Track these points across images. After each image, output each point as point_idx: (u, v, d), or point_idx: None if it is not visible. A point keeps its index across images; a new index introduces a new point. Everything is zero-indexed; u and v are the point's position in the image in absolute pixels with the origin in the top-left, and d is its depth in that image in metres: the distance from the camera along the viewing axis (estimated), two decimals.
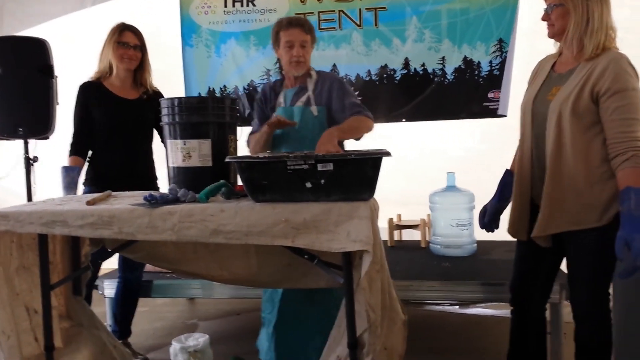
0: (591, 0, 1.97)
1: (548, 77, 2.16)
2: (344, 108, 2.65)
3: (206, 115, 2.23)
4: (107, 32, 2.99)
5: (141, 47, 2.99)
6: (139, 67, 3.00)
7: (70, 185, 2.78)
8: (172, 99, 2.26)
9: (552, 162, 2.03)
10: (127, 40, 2.93)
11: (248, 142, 2.82)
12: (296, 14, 3.98)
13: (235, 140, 2.37)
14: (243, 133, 2.50)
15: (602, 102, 1.95)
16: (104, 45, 2.96)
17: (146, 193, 2.23)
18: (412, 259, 3.42)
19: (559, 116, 2.00)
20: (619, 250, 1.86)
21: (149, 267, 3.11)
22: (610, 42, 2.00)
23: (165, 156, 2.34)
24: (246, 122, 3.92)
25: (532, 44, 3.71)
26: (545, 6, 2.11)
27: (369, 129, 2.65)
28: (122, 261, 3.01)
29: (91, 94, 2.96)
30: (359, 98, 2.87)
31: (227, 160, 2.04)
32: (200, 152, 2.21)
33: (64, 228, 2.00)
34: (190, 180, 2.20)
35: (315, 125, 2.68)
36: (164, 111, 2.25)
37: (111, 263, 2.87)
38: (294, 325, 2.59)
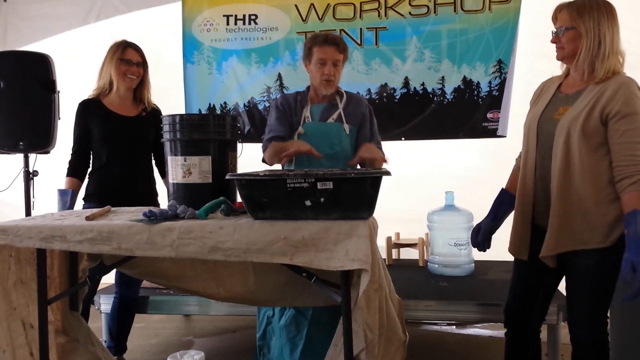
0: (602, 24, 1.99)
1: (554, 97, 2.16)
2: (371, 137, 2.70)
3: (207, 132, 2.25)
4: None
5: (143, 64, 3.01)
6: (139, 84, 3.03)
7: (63, 209, 2.81)
8: (173, 115, 2.27)
9: (560, 181, 2.03)
10: (130, 58, 2.95)
11: (264, 147, 2.74)
12: (297, 32, 4.04)
13: (235, 157, 2.38)
14: (243, 150, 2.50)
15: (611, 125, 1.96)
16: (105, 62, 2.97)
17: (146, 209, 2.23)
18: (410, 277, 3.41)
19: (567, 134, 2.00)
20: (626, 273, 1.85)
21: (145, 283, 3.10)
22: (619, 67, 2.02)
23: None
24: (246, 139, 3.95)
25: (531, 65, 3.75)
26: (554, 29, 2.11)
27: (382, 160, 2.64)
28: (119, 277, 3.00)
29: (90, 112, 2.97)
30: None
31: (227, 177, 2.05)
32: (200, 168, 2.22)
33: (62, 243, 2.00)
34: (190, 196, 2.22)
35: (347, 143, 2.70)
36: (165, 127, 2.27)
37: (107, 278, 2.86)
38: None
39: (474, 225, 2.41)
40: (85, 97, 3.03)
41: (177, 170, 2.25)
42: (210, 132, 2.25)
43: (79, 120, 2.99)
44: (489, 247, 2.36)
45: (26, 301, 2.21)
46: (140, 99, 3.04)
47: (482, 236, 2.35)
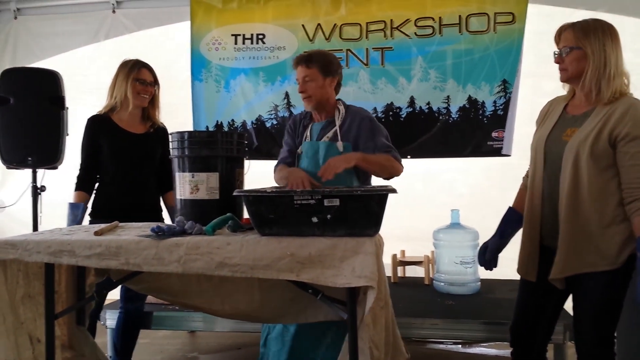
0: (607, 45, 1.99)
1: (561, 118, 2.16)
2: (375, 146, 2.64)
3: (215, 149, 2.27)
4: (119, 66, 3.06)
5: (155, 84, 3.06)
6: (150, 102, 3.06)
7: (74, 223, 2.84)
8: (181, 132, 2.30)
9: (568, 202, 2.02)
10: (144, 78, 2.99)
11: (274, 169, 2.84)
12: (304, 52, 4.07)
13: (242, 174, 2.41)
14: (251, 166, 2.53)
15: (621, 147, 1.96)
16: (117, 79, 3.00)
17: (153, 224, 2.25)
18: (416, 296, 3.41)
19: (576, 156, 2.00)
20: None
21: (150, 299, 3.11)
22: (625, 88, 2.02)
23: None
24: (254, 155, 3.97)
25: (536, 85, 3.77)
26: (557, 49, 2.11)
27: (397, 171, 2.64)
28: (124, 292, 3.00)
29: (100, 127, 3.00)
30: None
31: (235, 194, 2.06)
32: (208, 185, 2.25)
33: (71, 258, 2.02)
34: (197, 212, 2.24)
35: None
36: (174, 144, 2.30)
37: (113, 294, 2.87)
38: None
39: (480, 244, 2.41)
40: (95, 113, 3.06)
41: (184, 186, 2.27)
42: (218, 148, 2.28)
43: (88, 135, 3.02)
44: (495, 266, 2.35)
45: (33, 315, 2.22)
46: (148, 117, 3.08)
47: (489, 254, 2.33)
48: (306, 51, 2.86)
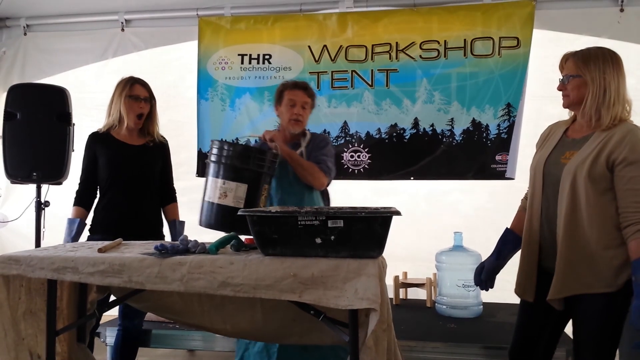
0: (608, 73, 2.03)
1: (561, 141, 2.19)
2: (315, 157, 2.89)
3: (248, 162, 2.44)
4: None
5: (150, 99, 3.08)
6: (147, 117, 3.08)
7: (69, 238, 2.86)
8: (222, 141, 2.53)
9: (566, 224, 2.04)
10: (137, 94, 3.00)
11: None
12: (310, 72, 4.13)
13: (269, 189, 2.58)
14: None
15: (618, 171, 1.98)
16: (113, 98, 3.03)
17: (157, 242, 2.25)
18: (417, 318, 3.39)
19: (573, 179, 2.03)
20: (637, 320, 1.85)
21: (149, 316, 3.09)
22: (627, 114, 2.06)
23: None
24: None
25: (540, 109, 3.79)
26: (561, 76, 2.16)
27: (317, 180, 2.85)
28: (123, 309, 2.99)
29: (99, 142, 3.02)
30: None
31: (239, 213, 2.06)
32: (236, 193, 2.39)
33: (74, 275, 2.02)
34: (220, 217, 2.41)
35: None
36: (213, 150, 2.47)
37: (112, 310, 2.86)
38: None
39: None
40: (94, 130, 3.08)
41: (215, 191, 2.43)
42: (251, 162, 2.45)
43: (88, 150, 3.03)
44: (492, 287, 2.36)
45: (34, 331, 2.21)
46: (148, 132, 3.09)
47: (485, 275, 2.34)
48: (297, 80, 3.14)
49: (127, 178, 2.99)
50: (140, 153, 3.04)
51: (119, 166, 2.99)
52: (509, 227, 2.39)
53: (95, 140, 3.04)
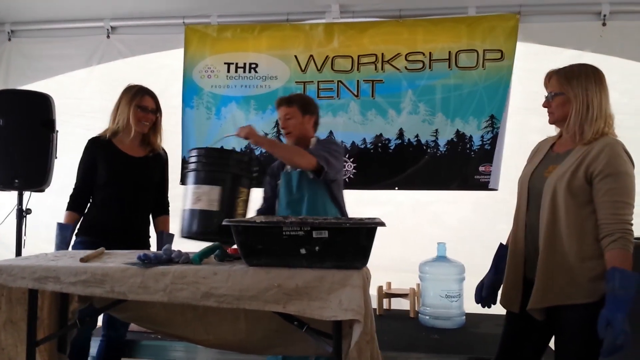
0: (590, 89, 2.09)
1: (546, 156, 2.25)
2: (314, 152, 2.89)
3: (218, 164, 2.47)
4: (112, 91, 3.07)
5: (157, 111, 3.07)
6: (151, 129, 3.07)
7: (62, 244, 2.82)
8: (193, 149, 2.54)
9: (546, 236, 2.08)
10: (147, 105, 3.01)
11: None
12: (296, 82, 4.13)
13: (247, 193, 2.56)
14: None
15: (596, 183, 2.02)
16: (120, 104, 3.01)
17: (140, 252, 2.23)
18: (401, 329, 3.39)
19: (553, 192, 2.08)
20: (601, 329, 1.89)
21: (133, 327, 3.06)
22: (608, 129, 2.10)
23: None
24: None
25: (523, 121, 3.83)
26: (546, 93, 2.22)
27: (303, 158, 2.82)
28: (106, 319, 2.96)
29: (98, 149, 2.99)
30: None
31: (224, 224, 2.06)
32: (209, 196, 2.40)
33: (56, 284, 2.00)
34: (197, 222, 2.41)
35: (311, 187, 2.91)
36: (190, 159, 2.48)
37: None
38: None
39: (469, 279, 2.44)
40: (95, 135, 3.06)
41: (190, 197, 2.44)
42: (220, 164, 2.47)
43: (86, 156, 3.01)
44: (494, 303, 2.39)
45: (15, 341, 2.17)
46: (149, 143, 3.08)
47: (486, 291, 2.39)
48: (280, 97, 3.23)
49: (124, 188, 2.98)
50: (140, 165, 3.03)
51: (119, 176, 2.97)
52: (503, 242, 2.44)
53: (97, 145, 3.01)
